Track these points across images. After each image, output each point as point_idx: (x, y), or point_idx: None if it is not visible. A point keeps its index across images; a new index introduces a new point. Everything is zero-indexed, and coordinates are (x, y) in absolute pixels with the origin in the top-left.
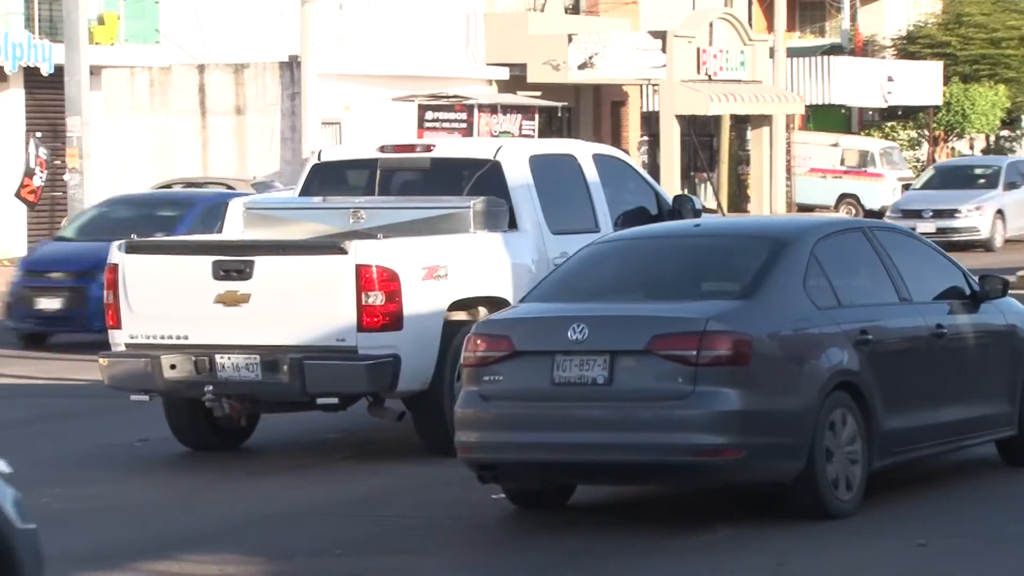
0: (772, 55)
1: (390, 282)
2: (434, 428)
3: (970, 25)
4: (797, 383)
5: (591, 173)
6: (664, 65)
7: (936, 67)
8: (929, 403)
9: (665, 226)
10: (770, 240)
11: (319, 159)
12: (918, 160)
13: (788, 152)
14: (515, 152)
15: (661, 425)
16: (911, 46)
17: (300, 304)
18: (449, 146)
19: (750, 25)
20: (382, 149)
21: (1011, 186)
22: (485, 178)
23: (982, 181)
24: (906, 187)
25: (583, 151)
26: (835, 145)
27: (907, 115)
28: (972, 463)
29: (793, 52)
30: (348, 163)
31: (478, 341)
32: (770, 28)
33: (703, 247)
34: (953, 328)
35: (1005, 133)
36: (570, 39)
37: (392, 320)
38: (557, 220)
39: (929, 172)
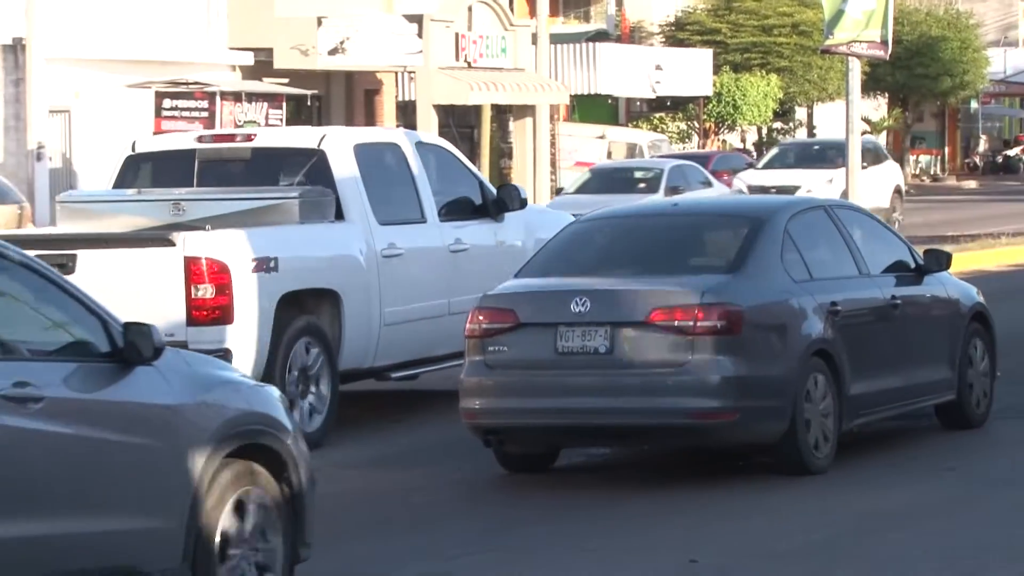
0: (535, 41)
1: (220, 274)
2: None
3: (740, 11)
4: (782, 351)
5: (415, 162)
6: (420, 51)
7: (706, 55)
8: (887, 369)
9: (645, 206)
10: (747, 218)
11: (133, 150)
12: None
13: (552, 144)
14: (340, 141)
15: (660, 390)
16: (680, 33)
17: (126, 299)
18: (271, 135)
19: (511, 10)
20: (200, 139)
21: (673, 191)
22: (310, 168)
23: (642, 185)
24: (558, 191)
25: (406, 140)
26: (602, 137)
27: (676, 106)
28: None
29: (557, 38)
30: (164, 154)
31: (482, 314)
32: (532, 13)
33: (685, 225)
34: (905, 300)
35: (778, 125)
36: (320, 22)
37: (222, 313)
38: (384, 210)
39: (585, 175)
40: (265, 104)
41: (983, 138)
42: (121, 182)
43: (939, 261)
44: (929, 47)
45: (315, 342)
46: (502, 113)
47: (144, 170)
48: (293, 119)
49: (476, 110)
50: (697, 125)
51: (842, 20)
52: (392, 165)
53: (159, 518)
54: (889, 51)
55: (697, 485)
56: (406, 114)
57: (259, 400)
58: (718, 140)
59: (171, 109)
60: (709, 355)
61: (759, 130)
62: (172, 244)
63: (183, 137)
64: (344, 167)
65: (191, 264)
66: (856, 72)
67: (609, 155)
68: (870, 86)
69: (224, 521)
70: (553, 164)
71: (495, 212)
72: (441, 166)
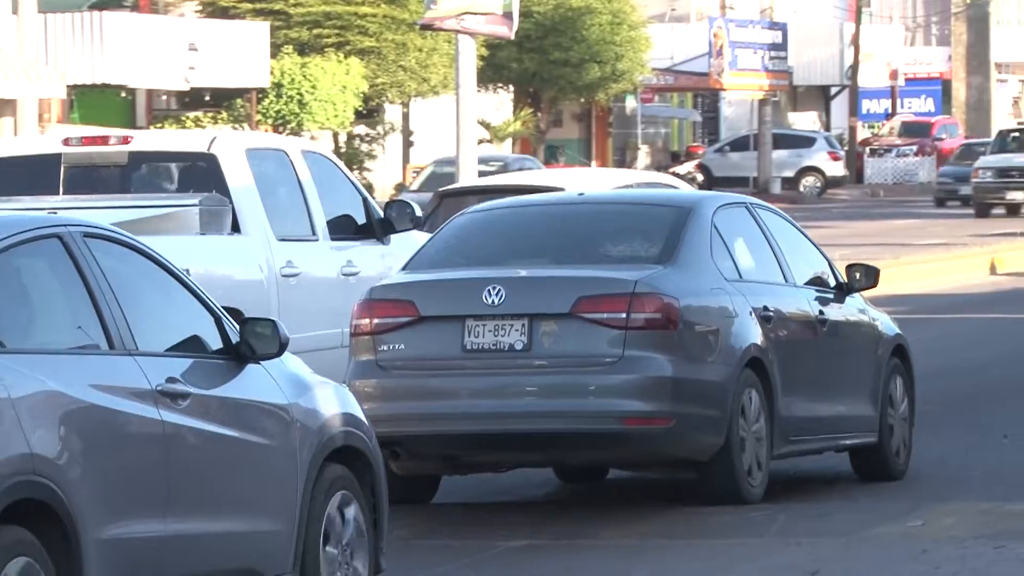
0: (16, 9)
1: None
2: None
3: None
4: (718, 354)
5: (304, 172)
6: None
7: (260, 31)
8: (815, 393)
9: (548, 195)
10: (671, 208)
11: None
12: None
13: None
14: (231, 144)
15: (586, 391)
16: (223, 0)
17: None
18: (151, 138)
19: None
20: (66, 142)
21: None
22: (198, 175)
23: None
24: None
25: (292, 146)
26: None
27: (219, 101)
28: None
29: (49, 4)
30: (20, 160)
31: (373, 307)
32: None
33: (599, 214)
34: (832, 319)
35: (362, 130)
36: None
37: None
38: (279, 225)
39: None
40: None
41: (644, 149)
42: None
43: (865, 278)
44: (570, 23)
45: None
46: None
47: None
48: None
49: None
50: (248, 128)
51: None
52: (281, 175)
53: (276, 521)
54: (515, 27)
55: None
56: None
57: (348, 402)
58: None
59: None
60: (643, 352)
61: (335, 136)
62: None
63: (46, 140)
64: (238, 174)
65: None
66: (469, 56)
67: None
68: (489, 76)
69: (326, 527)
70: None
71: (381, 233)
72: (327, 179)
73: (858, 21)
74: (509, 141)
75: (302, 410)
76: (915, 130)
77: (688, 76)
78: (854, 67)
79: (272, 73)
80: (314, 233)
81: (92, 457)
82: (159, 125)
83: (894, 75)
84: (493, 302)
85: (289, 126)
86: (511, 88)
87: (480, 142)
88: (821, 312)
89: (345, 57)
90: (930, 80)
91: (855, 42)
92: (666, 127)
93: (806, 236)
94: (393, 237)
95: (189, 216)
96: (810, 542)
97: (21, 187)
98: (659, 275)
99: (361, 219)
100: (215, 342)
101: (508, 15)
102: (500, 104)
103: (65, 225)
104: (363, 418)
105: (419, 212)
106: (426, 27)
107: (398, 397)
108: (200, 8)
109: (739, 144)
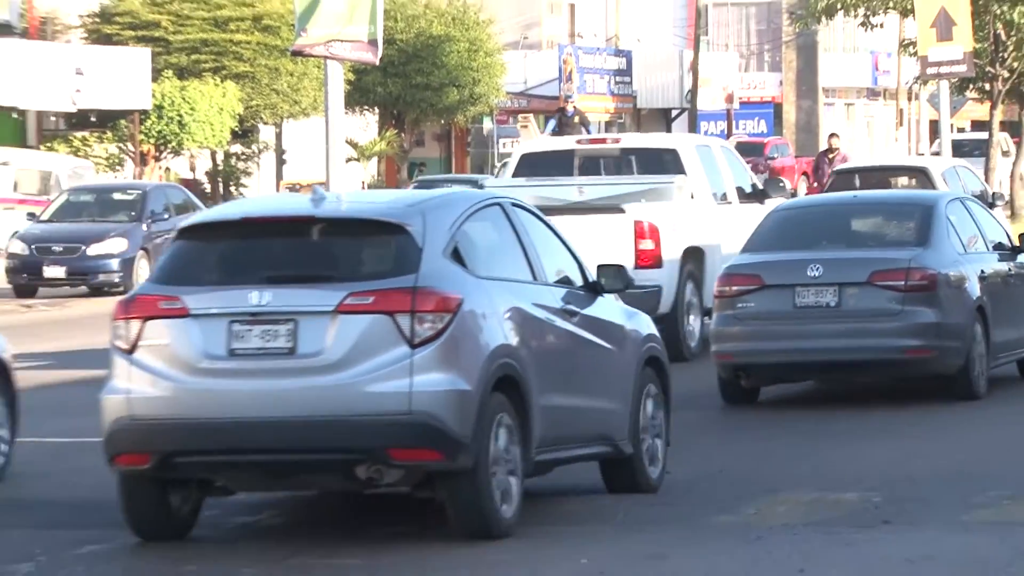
0: None
1: (655, 233)
2: (675, 338)
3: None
4: (960, 305)
5: (722, 157)
6: None
7: (142, 56)
8: (1007, 323)
9: (831, 197)
10: (919, 205)
11: (526, 151)
12: None
13: None
14: (686, 142)
15: (880, 334)
16: (107, 27)
17: (591, 252)
18: (633, 139)
19: None
20: (579, 142)
21: None
22: (664, 162)
23: None
24: None
25: (715, 143)
26: (5, 164)
27: (104, 122)
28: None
29: None
30: (550, 153)
31: (733, 279)
32: None
33: (871, 210)
34: (1014, 272)
35: (238, 149)
36: None
37: (656, 261)
38: (714, 194)
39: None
40: None
41: (499, 166)
42: (518, 173)
43: None
44: (430, 50)
45: (695, 285)
46: None
47: (533, 164)
48: None
49: None
50: (132, 148)
51: (317, 12)
52: (712, 159)
53: (620, 403)
54: (379, 54)
55: None
56: None
57: (651, 325)
58: (160, 167)
59: None
60: (916, 307)
61: (213, 155)
62: (623, 212)
63: (564, 140)
64: (692, 162)
65: (638, 225)
66: (337, 80)
67: (16, 187)
68: (356, 99)
69: (642, 409)
70: None
71: (761, 198)
72: (726, 160)
73: (696, 49)
74: (375, 159)
75: (631, 329)
76: (749, 150)
77: (540, 99)
78: (693, 91)
79: (153, 96)
80: (728, 198)
81: (535, 350)
82: (48, 145)
83: (730, 99)
84: (814, 275)
85: (170, 145)
86: (376, 110)
87: (348, 160)
88: (1009, 269)
89: (222, 81)
90: (763, 103)
91: (694, 68)
92: None
93: (992, 215)
94: (767, 201)
95: (669, 190)
96: (653, 529)
97: (547, 172)
98: (922, 255)
99: (748, 188)
100: (577, 280)
101: (373, 42)
102: (367, 125)
103: (501, 197)
104: (658, 335)
105: (790, 187)
106: (297, 53)
107: (750, 339)
108: (86, 35)
109: None
